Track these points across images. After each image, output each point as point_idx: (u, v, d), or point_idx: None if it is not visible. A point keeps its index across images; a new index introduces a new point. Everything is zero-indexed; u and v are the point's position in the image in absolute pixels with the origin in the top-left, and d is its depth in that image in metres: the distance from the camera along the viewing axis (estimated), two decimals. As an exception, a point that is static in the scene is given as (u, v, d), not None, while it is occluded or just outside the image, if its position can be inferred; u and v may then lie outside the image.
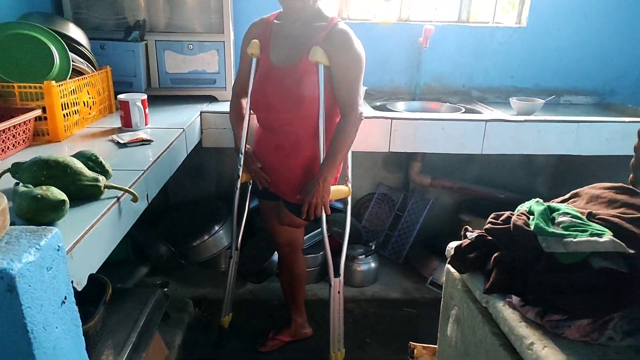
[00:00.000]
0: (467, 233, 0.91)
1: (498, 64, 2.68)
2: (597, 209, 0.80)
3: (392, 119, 2.08)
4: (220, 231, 2.49)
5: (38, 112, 1.39)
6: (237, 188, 1.89)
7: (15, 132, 1.32)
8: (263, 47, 1.69)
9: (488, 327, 0.80)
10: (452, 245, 0.94)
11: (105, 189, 1.04)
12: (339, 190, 1.77)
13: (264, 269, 2.38)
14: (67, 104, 1.51)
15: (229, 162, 2.73)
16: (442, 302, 1.02)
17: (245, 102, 1.82)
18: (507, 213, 0.85)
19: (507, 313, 0.76)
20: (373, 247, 2.56)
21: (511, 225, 0.80)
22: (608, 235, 0.70)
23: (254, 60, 1.74)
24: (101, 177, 1.04)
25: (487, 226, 0.85)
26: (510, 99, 2.36)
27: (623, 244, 0.68)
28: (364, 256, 2.42)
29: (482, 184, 2.84)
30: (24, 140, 1.37)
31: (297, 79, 1.62)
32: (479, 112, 2.41)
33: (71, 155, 1.08)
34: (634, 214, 0.73)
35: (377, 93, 2.65)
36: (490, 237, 0.85)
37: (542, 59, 2.69)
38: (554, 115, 2.31)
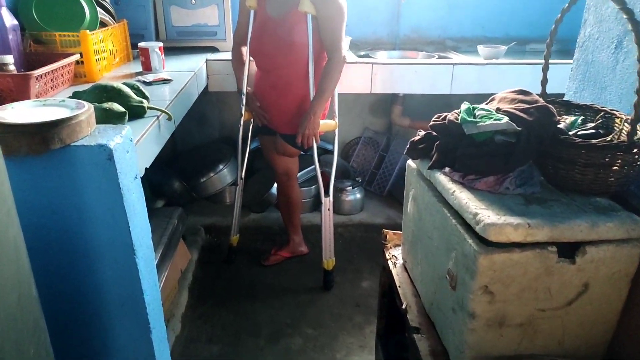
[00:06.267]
0: (419, 132, 1.25)
1: (470, 16, 2.96)
2: (502, 105, 1.14)
3: (372, 63, 2.39)
4: (225, 169, 2.82)
5: (77, 57, 1.69)
6: (240, 125, 2.21)
7: (63, 73, 1.61)
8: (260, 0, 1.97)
9: (432, 193, 1.15)
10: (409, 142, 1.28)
11: (148, 110, 1.36)
12: (327, 124, 2.09)
13: (265, 199, 2.74)
14: (98, 50, 1.80)
15: (230, 110, 3.03)
16: (404, 190, 1.37)
17: (245, 50, 2.11)
18: (445, 113, 1.19)
19: (442, 178, 1.11)
20: (359, 181, 2.92)
21: (446, 120, 1.14)
22: (505, 119, 1.04)
23: (252, 12, 2.03)
24: (145, 100, 1.35)
25: (431, 123, 1.19)
26: (477, 46, 2.67)
27: (513, 124, 1.03)
28: (351, 187, 2.78)
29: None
30: (67, 80, 1.67)
31: (289, 28, 1.92)
32: (450, 59, 2.71)
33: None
34: (523, 106, 1.08)
35: (361, 44, 2.94)
36: (434, 132, 1.19)
37: (511, 11, 2.98)
38: (518, 59, 2.62)
